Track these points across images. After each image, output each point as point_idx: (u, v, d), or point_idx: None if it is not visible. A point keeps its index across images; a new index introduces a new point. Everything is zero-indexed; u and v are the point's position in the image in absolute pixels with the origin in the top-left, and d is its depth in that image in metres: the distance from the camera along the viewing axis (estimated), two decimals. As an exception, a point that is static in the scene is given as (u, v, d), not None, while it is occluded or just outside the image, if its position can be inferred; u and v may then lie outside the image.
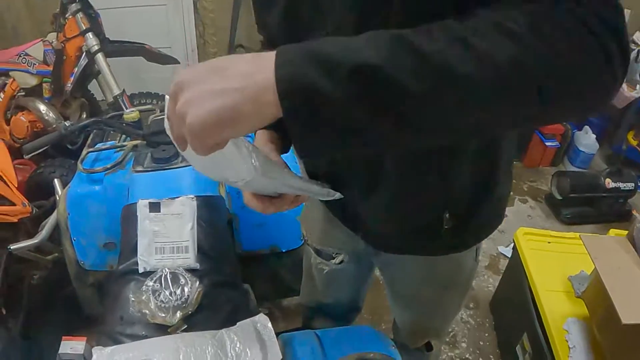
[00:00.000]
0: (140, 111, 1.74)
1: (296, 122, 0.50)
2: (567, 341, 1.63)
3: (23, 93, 2.72)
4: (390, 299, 1.32)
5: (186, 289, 1.10)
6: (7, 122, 2.75)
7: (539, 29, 0.50)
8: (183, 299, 1.08)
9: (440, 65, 0.49)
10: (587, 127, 3.79)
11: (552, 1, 0.51)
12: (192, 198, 1.30)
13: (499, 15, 0.51)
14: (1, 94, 2.74)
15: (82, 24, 2.59)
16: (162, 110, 1.75)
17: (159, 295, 1.09)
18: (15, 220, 1.91)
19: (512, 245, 2.61)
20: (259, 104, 0.49)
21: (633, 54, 3.55)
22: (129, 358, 0.96)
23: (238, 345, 1.00)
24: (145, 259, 1.21)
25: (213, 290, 1.16)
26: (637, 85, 3.52)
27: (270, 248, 1.67)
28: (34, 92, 2.70)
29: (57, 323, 2.09)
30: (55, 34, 2.74)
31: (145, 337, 1.05)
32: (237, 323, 1.07)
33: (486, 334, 2.27)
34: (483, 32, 0.50)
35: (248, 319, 1.08)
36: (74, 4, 2.60)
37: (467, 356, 2.16)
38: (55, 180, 1.95)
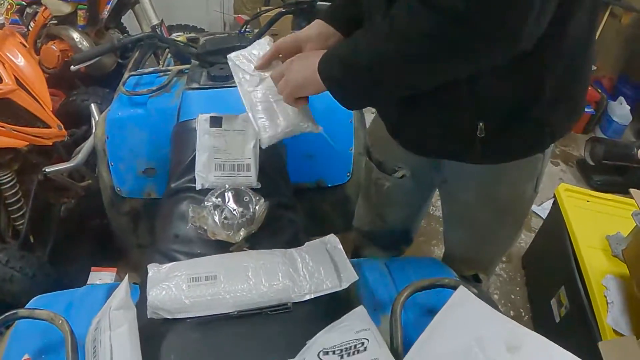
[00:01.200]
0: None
1: (332, 91, 0.90)
2: (605, 297, 1.63)
3: (55, 21, 2.64)
4: (446, 223, 1.35)
5: (251, 207, 1.06)
6: (37, 51, 2.69)
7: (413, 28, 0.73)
8: (248, 216, 1.04)
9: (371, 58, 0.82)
10: (621, 98, 3.73)
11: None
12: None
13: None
14: (32, 22, 2.68)
15: (120, -50, 2.51)
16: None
17: (221, 211, 1.04)
18: (50, 143, 1.87)
19: (544, 203, 2.61)
20: (315, 82, 0.90)
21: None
22: (190, 275, 0.93)
23: (310, 264, 0.97)
24: (203, 175, 1.17)
25: (276, 210, 1.12)
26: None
27: (316, 182, 1.63)
28: (67, 20, 2.63)
29: (86, 253, 2.09)
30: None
31: (205, 255, 1.01)
32: (306, 243, 1.04)
33: (517, 288, 2.29)
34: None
35: (317, 239, 1.05)
36: None
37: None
38: (92, 104, 1.91)
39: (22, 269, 1.67)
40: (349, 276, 0.97)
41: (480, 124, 0.92)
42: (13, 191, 1.85)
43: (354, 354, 0.72)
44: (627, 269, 1.65)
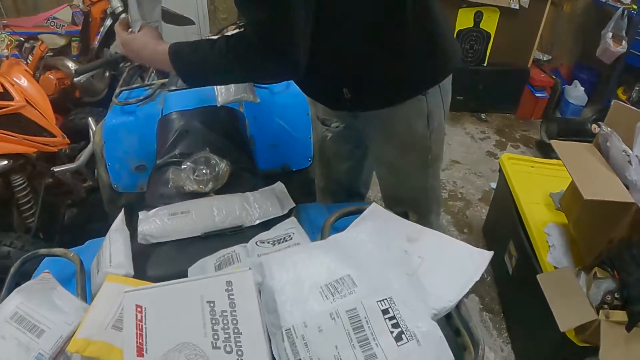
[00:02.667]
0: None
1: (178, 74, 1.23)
2: (547, 242, 1.84)
3: (51, 54, 2.96)
4: (374, 168, 1.67)
5: (217, 168, 1.34)
6: (37, 81, 2.98)
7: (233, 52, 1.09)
8: (214, 174, 1.33)
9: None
10: (576, 82, 4.03)
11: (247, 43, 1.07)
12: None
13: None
14: (30, 55, 2.96)
15: (107, -12, 2.82)
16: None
17: (194, 172, 1.33)
18: (55, 149, 2.14)
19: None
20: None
21: (618, 12, 3.75)
22: (171, 213, 1.20)
23: (260, 200, 1.26)
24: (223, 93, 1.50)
25: (237, 171, 1.40)
26: (623, 41, 3.72)
27: (282, 167, 1.88)
28: (61, 52, 2.96)
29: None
30: (80, -1, 2.99)
31: (181, 202, 1.29)
32: (258, 189, 1.31)
33: (479, 254, 2.51)
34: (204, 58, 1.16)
35: (267, 187, 1.32)
36: (99, -30, 2.83)
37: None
38: (90, 118, 2.24)
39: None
40: (289, 204, 1.27)
41: (344, 89, 1.29)
42: (24, 193, 2.10)
43: (282, 242, 1.00)
44: (565, 216, 1.88)
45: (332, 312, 0.77)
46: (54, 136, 2.11)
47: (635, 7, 3.86)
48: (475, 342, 0.84)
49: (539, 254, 1.83)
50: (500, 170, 2.36)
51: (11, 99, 2.00)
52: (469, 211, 2.91)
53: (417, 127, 1.38)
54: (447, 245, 1.01)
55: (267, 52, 1.05)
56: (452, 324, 0.90)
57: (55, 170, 2.07)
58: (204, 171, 1.33)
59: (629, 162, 1.47)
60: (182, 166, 1.35)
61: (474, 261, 0.95)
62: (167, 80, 1.92)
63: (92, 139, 2.08)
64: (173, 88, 1.77)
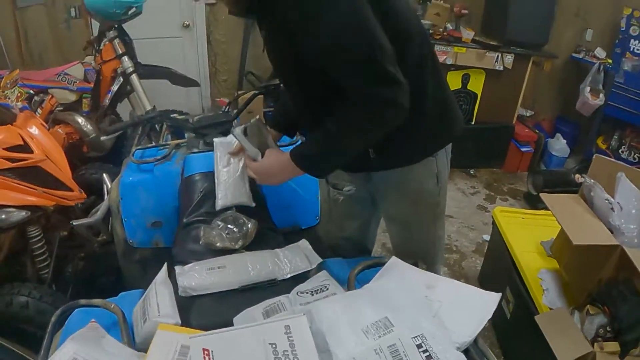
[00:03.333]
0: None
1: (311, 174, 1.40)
2: (541, 286, 1.98)
3: (61, 108, 3.07)
4: (385, 224, 1.78)
5: (245, 227, 1.46)
6: (46, 134, 3.10)
7: (348, 125, 1.27)
8: (243, 232, 1.45)
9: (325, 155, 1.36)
10: (558, 135, 4.27)
11: (351, 103, 1.22)
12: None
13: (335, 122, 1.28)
14: (39, 109, 3.06)
15: (119, 49, 3.03)
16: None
17: (225, 229, 1.45)
18: (72, 203, 2.20)
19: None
20: (288, 176, 1.45)
21: (595, 67, 4.04)
22: (208, 267, 1.32)
23: (289, 256, 1.39)
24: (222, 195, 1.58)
25: (262, 230, 1.53)
26: (600, 94, 3.99)
27: (292, 226, 1.99)
28: (71, 107, 3.07)
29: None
30: (92, 57, 3.16)
31: (215, 259, 1.40)
32: (286, 246, 1.44)
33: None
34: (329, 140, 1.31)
35: (294, 244, 1.46)
36: (111, 31, 3.03)
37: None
38: (104, 174, 2.33)
39: (53, 303, 1.94)
40: (316, 260, 1.41)
41: (371, 150, 1.45)
42: (40, 244, 2.12)
43: (320, 292, 1.13)
44: (557, 262, 2.02)
45: (376, 348, 0.92)
46: (71, 190, 2.17)
47: (610, 61, 4.17)
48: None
49: (534, 297, 1.96)
50: (493, 223, 2.51)
51: (31, 151, 2.05)
52: (464, 262, 3.05)
53: (429, 185, 1.55)
54: (460, 289, 1.18)
55: (376, 105, 1.21)
56: (470, 356, 1.03)
57: (74, 223, 2.13)
58: (234, 229, 1.45)
59: (612, 209, 1.64)
60: (212, 224, 1.47)
61: (485, 302, 1.12)
62: (183, 141, 2.06)
63: (107, 194, 2.15)
64: (195, 150, 1.89)
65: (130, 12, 3.03)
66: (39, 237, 2.13)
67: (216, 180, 1.59)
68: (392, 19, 1.27)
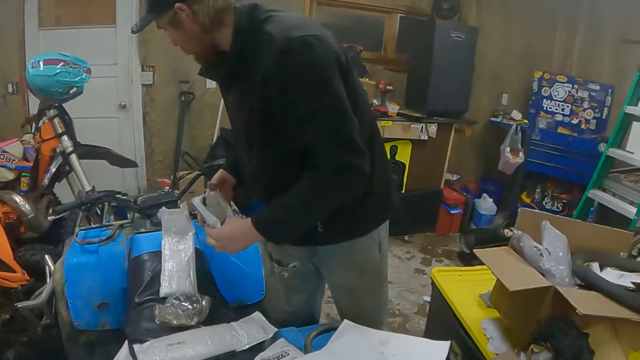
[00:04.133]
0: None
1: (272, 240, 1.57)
2: (485, 335, 2.04)
3: (-1, 186, 2.98)
4: (331, 292, 1.85)
5: (197, 304, 1.49)
6: (-21, 213, 2.96)
7: (316, 192, 1.35)
8: (198, 308, 1.47)
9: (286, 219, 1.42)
10: (484, 194, 4.56)
11: (322, 170, 1.32)
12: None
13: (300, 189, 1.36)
14: None
15: (59, 128, 3.04)
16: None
17: (180, 307, 1.47)
18: (15, 285, 2.14)
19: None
20: (249, 242, 1.50)
21: (512, 128, 4.42)
22: (168, 344, 1.33)
23: (245, 328, 1.43)
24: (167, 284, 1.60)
25: (215, 306, 1.56)
26: (520, 153, 4.35)
27: (238, 302, 2.02)
28: (9, 185, 2.99)
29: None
30: (30, 134, 3.13)
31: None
32: (240, 319, 1.48)
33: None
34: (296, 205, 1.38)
35: (247, 317, 1.50)
36: (51, 110, 3.05)
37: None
38: (47, 256, 2.29)
39: None
40: (271, 330, 1.45)
41: (319, 224, 1.52)
42: None
43: (281, 357, 1.18)
44: (497, 311, 2.13)
45: None
46: (14, 271, 2.12)
47: (526, 121, 4.60)
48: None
49: (480, 347, 2.01)
50: (432, 283, 2.62)
51: None
52: (408, 324, 3.16)
53: (373, 255, 1.68)
54: (412, 342, 1.31)
55: (345, 172, 1.32)
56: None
57: (19, 306, 2.06)
58: (188, 307, 1.47)
59: (541, 254, 1.79)
60: (167, 302, 1.49)
61: (436, 350, 1.23)
62: (126, 221, 2.07)
63: (50, 276, 2.11)
64: (142, 230, 1.92)
65: (71, 92, 3.07)
66: (-21, 321, 2.03)
67: (162, 266, 1.62)
68: (353, 95, 1.39)
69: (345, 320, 1.35)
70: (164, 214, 1.72)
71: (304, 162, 1.36)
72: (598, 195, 3.80)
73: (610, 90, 4.66)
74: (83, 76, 3.11)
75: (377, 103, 4.32)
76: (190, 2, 1.31)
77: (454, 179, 4.90)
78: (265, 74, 1.30)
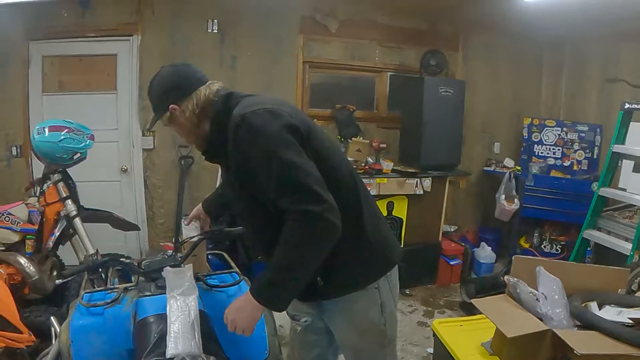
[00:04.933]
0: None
1: (274, 307, 1.58)
2: None
3: (2, 248, 3.00)
4: (341, 351, 1.91)
5: (205, 366, 1.53)
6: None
7: (288, 243, 1.47)
8: (205, 372, 1.51)
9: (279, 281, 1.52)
10: (483, 244, 4.61)
11: (289, 221, 1.45)
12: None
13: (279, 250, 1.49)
14: None
15: (63, 192, 3.10)
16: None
17: (187, 370, 1.50)
18: (22, 346, 2.15)
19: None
20: (260, 312, 1.56)
21: (506, 176, 4.51)
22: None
23: None
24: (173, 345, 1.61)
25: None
26: (515, 200, 4.42)
27: None
28: (13, 247, 3.01)
29: None
30: (35, 197, 3.19)
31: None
32: None
33: (428, 412, 2.67)
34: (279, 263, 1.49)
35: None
36: (56, 175, 3.12)
37: None
38: (52, 317, 2.30)
39: None
40: None
41: (318, 279, 1.62)
42: None
43: None
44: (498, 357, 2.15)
45: None
46: (20, 332, 2.14)
47: (519, 168, 4.70)
48: None
49: None
50: (434, 335, 2.64)
51: None
52: (413, 376, 3.11)
53: (374, 316, 1.73)
54: None
55: (307, 220, 1.43)
56: None
57: None
58: (195, 369, 1.51)
59: (537, 299, 1.83)
60: (174, 364, 1.52)
61: None
62: (131, 284, 2.11)
63: (56, 338, 2.11)
64: (147, 294, 1.95)
65: (75, 157, 3.16)
66: (-14, 381, 2.05)
67: (168, 329, 1.64)
68: (323, 159, 1.56)
69: None
70: (168, 272, 1.77)
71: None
72: (593, 235, 3.84)
73: (598, 129, 4.77)
74: (87, 142, 3.21)
75: (371, 161, 4.40)
76: (179, 103, 1.63)
77: (452, 230, 4.95)
78: (227, 148, 1.55)
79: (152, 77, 1.72)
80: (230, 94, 1.66)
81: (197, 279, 1.91)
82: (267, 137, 1.47)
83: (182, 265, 2.11)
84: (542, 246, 4.65)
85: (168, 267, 1.83)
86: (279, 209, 1.47)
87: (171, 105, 1.63)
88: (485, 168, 5.13)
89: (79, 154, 3.18)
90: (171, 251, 2.46)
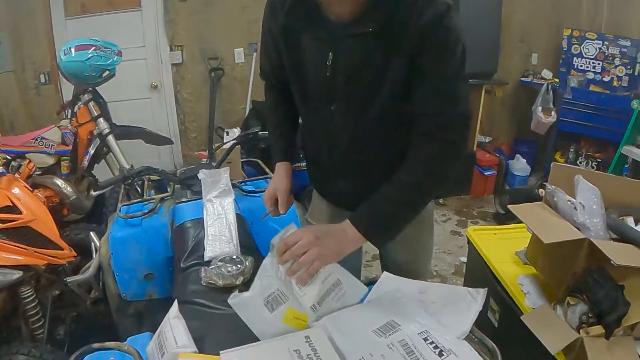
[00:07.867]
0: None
1: (376, 243, 1.30)
2: (522, 290, 2.05)
3: (39, 172, 3.11)
4: (387, 253, 1.84)
5: (241, 265, 1.55)
6: (24, 198, 3.09)
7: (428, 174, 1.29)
8: (242, 269, 1.53)
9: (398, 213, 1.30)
10: (518, 156, 4.51)
11: (428, 141, 1.28)
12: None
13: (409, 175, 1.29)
14: (16, 173, 3.06)
15: (94, 111, 3.14)
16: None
17: (225, 268, 1.53)
18: (63, 262, 2.22)
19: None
20: (352, 247, 1.26)
21: (543, 87, 4.32)
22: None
23: None
24: (210, 248, 1.66)
25: (258, 266, 1.60)
26: (552, 112, 4.26)
27: None
28: (50, 170, 3.12)
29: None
30: (67, 120, 3.25)
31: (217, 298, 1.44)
32: None
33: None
34: (407, 192, 1.29)
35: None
36: (86, 94, 3.14)
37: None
38: (92, 232, 2.37)
39: None
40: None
41: None
42: (32, 305, 2.13)
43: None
44: (533, 266, 2.15)
45: (388, 344, 1.05)
46: (62, 249, 2.19)
47: (557, 80, 4.51)
48: (493, 351, 1.11)
49: (518, 302, 2.03)
50: (468, 242, 2.63)
51: (19, 212, 2.06)
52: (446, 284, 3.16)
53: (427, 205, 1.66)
54: (449, 290, 1.32)
55: (455, 147, 1.31)
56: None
57: (68, 280, 2.14)
58: (233, 267, 1.54)
59: (575, 208, 1.78)
60: (212, 265, 1.55)
61: (474, 297, 1.26)
62: (167, 194, 2.15)
63: (96, 252, 2.18)
64: (184, 200, 1.99)
65: (104, 75, 3.16)
66: (31, 298, 2.13)
67: (205, 232, 1.67)
68: None
69: (384, 273, 1.37)
70: (204, 174, 1.78)
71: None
72: (632, 151, 3.75)
73: (641, 46, 4.49)
74: (115, 59, 3.19)
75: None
76: None
77: (487, 140, 4.84)
78: (394, 26, 1.22)
79: None
80: None
81: (232, 185, 1.91)
82: (460, 43, 1.30)
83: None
84: (578, 162, 4.53)
85: (203, 169, 1.82)
86: (418, 129, 1.30)
87: None
88: (522, 79, 4.93)
89: (107, 72, 3.18)
90: (206, 159, 2.48)
